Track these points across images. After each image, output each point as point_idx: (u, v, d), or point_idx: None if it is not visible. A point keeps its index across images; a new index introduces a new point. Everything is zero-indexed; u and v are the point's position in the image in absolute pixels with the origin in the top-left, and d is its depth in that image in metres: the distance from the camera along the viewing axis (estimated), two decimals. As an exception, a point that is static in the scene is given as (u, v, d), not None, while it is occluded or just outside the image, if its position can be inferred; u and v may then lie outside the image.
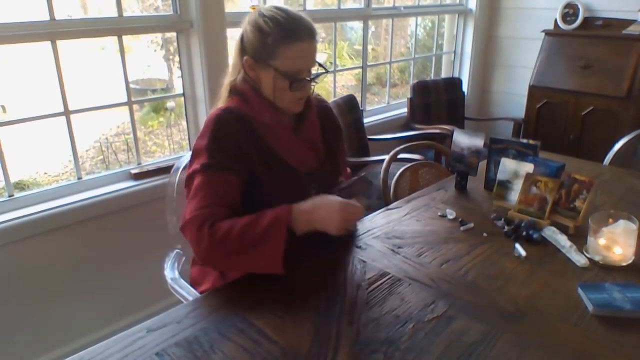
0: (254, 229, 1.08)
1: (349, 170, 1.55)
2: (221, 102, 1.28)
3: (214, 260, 1.13)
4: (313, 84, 1.26)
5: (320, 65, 1.26)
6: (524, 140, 1.61)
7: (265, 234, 1.08)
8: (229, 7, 2.29)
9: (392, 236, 1.36)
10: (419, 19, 4.35)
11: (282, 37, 1.16)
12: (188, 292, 1.37)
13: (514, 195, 1.50)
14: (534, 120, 3.48)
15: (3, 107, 4.71)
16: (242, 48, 1.23)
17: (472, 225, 1.42)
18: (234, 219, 1.11)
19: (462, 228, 1.40)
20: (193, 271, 1.40)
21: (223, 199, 1.15)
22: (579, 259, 1.22)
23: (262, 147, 1.23)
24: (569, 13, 3.44)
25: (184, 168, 1.61)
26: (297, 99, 1.25)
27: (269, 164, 1.23)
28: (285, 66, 1.18)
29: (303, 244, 1.15)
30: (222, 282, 1.25)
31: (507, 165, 1.56)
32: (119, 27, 2.05)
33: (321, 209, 1.12)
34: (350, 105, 2.92)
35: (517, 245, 1.29)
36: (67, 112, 1.97)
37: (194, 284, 1.38)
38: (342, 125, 2.77)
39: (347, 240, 1.33)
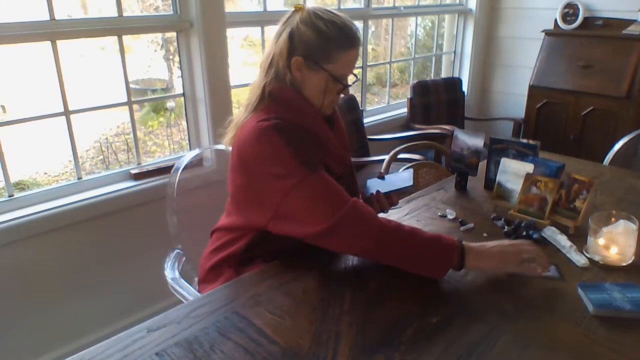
0: (423, 233, 1.12)
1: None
2: (252, 104, 1.22)
3: (385, 244, 1.11)
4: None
5: (355, 75, 1.31)
6: (524, 140, 1.61)
7: (435, 238, 1.11)
8: (229, 7, 2.29)
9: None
10: (419, 19, 4.35)
11: (345, 43, 1.18)
12: (188, 292, 1.37)
13: (514, 195, 1.50)
14: (534, 120, 3.48)
15: (3, 107, 4.71)
16: (292, 47, 1.18)
17: (472, 225, 1.42)
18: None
19: (462, 228, 1.40)
20: (208, 274, 1.37)
21: (345, 192, 1.15)
22: (579, 259, 1.22)
23: (319, 152, 1.22)
24: (569, 13, 3.44)
25: (185, 168, 1.62)
26: (335, 102, 1.28)
27: (325, 164, 1.23)
28: (340, 71, 1.20)
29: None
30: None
31: (507, 165, 1.56)
32: (119, 27, 2.05)
33: (504, 251, 1.14)
34: (350, 105, 2.92)
35: (517, 245, 1.29)
36: (67, 112, 1.97)
37: (202, 282, 1.36)
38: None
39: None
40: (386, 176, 1.43)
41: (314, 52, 1.18)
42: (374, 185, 1.40)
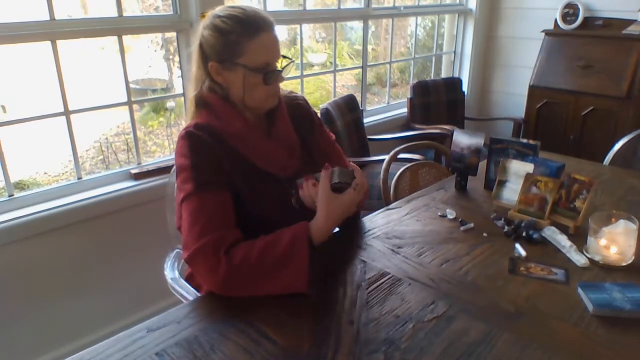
0: (273, 250, 1.06)
1: (350, 162, 1.47)
2: (189, 117, 1.24)
3: (233, 287, 1.06)
4: (283, 75, 1.22)
5: (284, 57, 1.22)
6: (524, 140, 1.61)
7: (286, 254, 1.05)
8: (229, 7, 2.29)
9: (392, 236, 1.36)
10: (419, 19, 4.35)
11: (245, 32, 1.14)
12: (188, 292, 1.37)
13: (514, 195, 1.50)
14: (534, 120, 3.48)
15: (3, 107, 4.71)
16: (204, 56, 1.19)
17: (472, 225, 1.42)
18: (248, 242, 1.08)
19: (462, 228, 1.40)
20: (191, 279, 1.38)
21: (225, 220, 1.11)
22: (579, 259, 1.22)
23: (239, 160, 1.19)
24: (569, 13, 3.44)
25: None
26: (270, 94, 1.21)
27: (247, 177, 1.19)
28: (255, 60, 1.15)
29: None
30: None
31: (507, 165, 1.56)
32: (119, 27, 2.05)
33: (334, 210, 1.12)
34: (350, 105, 2.92)
35: (517, 245, 1.29)
36: (67, 112, 1.97)
37: (196, 287, 1.38)
38: (341, 125, 2.78)
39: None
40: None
41: (222, 51, 1.16)
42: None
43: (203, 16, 1.21)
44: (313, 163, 1.34)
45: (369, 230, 1.39)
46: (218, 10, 1.19)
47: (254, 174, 1.21)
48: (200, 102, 1.23)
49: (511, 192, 1.54)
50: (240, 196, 1.17)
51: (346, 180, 1.14)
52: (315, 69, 6.23)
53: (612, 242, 1.23)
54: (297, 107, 1.37)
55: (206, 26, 1.18)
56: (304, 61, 4.57)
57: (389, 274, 1.18)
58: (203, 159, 1.14)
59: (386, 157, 2.17)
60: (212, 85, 1.22)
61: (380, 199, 2.06)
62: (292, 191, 1.22)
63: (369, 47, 3.51)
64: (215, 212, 1.11)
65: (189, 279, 1.39)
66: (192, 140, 1.15)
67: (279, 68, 1.20)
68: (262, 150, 1.23)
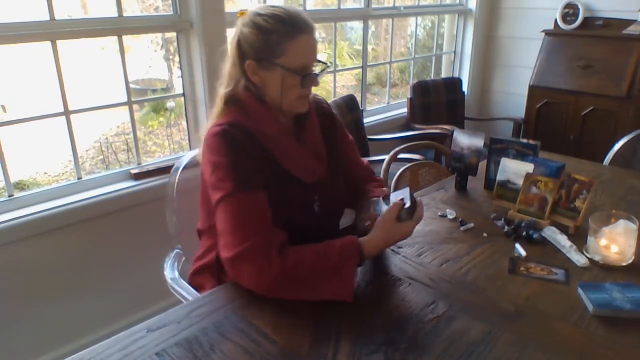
0: (326, 258, 1.07)
1: (366, 161, 1.50)
2: (217, 114, 1.21)
3: (281, 288, 1.05)
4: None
5: (320, 61, 1.22)
6: (524, 140, 1.61)
7: (338, 263, 1.06)
8: (229, 7, 2.29)
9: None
10: (419, 19, 4.35)
11: (287, 32, 1.13)
12: (188, 292, 1.37)
13: (514, 195, 1.50)
14: (534, 120, 3.48)
15: (3, 107, 4.71)
16: (241, 53, 1.17)
17: (472, 225, 1.42)
18: (300, 246, 1.09)
19: (462, 228, 1.40)
20: (195, 277, 1.38)
21: (269, 220, 1.10)
22: (579, 259, 1.22)
23: (269, 162, 1.17)
24: (569, 13, 3.44)
25: (184, 168, 1.61)
26: (304, 97, 1.21)
27: (277, 179, 1.18)
28: (294, 62, 1.14)
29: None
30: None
31: (507, 165, 1.56)
32: (119, 27, 2.05)
33: (389, 235, 1.14)
34: (350, 105, 2.92)
35: (517, 245, 1.29)
36: (67, 112, 1.97)
37: (198, 287, 1.37)
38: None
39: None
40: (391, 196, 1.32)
41: (261, 50, 1.14)
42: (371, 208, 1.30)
43: (242, 13, 1.19)
44: (336, 167, 1.35)
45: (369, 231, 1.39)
46: (259, 8, 1.17)
47: (283, 177, 1.20)
48: (232, 100, 1.20)
49: (511, 192, 1.54)
50: (270, 196, 1.15)
51: (410, 216, 1.16)
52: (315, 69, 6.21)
53: (612, 242, 1.23)
54: (322, 110, 1.37)
55: (246, 23, 1.16)
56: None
57: (389, 274, 1.18)
58: (241, 158, 1.12)
59: (386, 157, 2.17)
60: (248, 84, 1.20)
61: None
62: (315, 196, 1.25)
63: (369, 47, 3.51)
64: (260, 212, 1.10)
65: (192, 278, 1.38)
66: (228, 139, 1.12)
67: (316, 71, 1.20)
68: (293, 155, 1.23)
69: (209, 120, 1.24)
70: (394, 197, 1.20)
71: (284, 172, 1.20)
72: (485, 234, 1.37)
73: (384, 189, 1.39)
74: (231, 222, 1.08)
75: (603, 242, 1.24)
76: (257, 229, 1.07)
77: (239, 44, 1.17)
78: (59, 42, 1.91)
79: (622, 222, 1.24)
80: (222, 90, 1.23)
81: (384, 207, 1.20)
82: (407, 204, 1.14)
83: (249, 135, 1.15)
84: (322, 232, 1.17)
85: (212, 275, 1.28)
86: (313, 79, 1.19)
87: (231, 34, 2.22)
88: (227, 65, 1.22)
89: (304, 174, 1.23)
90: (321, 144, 1.31)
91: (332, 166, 1.34)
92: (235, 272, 1.08)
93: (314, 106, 1.33)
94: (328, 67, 1.25)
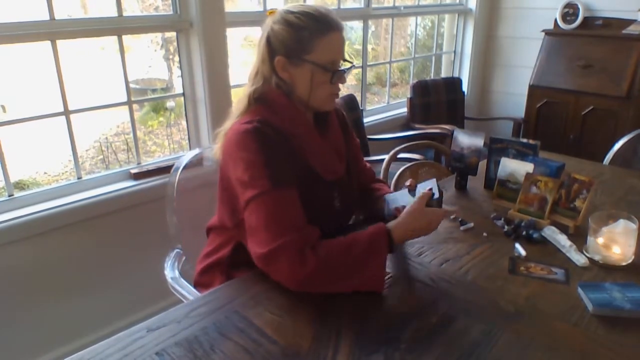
0: (356, 247, 1.07)
1: (368, 165, 1.53)
2: (241, 112, 1.21)
3: (317, 282, 1.06)
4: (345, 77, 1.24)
5: (347, 60, 1.24)
6: (524, 140, 1.61)
7: (367, 252, 1.07)
8: (229, 7, 2.29)
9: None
10: (419, 18, 4.35)
11: (319, 29, 1.15)
12: (188, 292, 1.37)
13: (514, 195, 1.50)
14: (534, 120, 3.48)
15: (3, 107, 4.70)
16: (271, 50, 1.18)
17: (472, 225, 1.42)
18: (329, 240, 1.09)
19: (462, 228, 1.40)
20: (201, 277, 1.38)
21: (303, 217, 1.11)
22: (579, 259, 1.22)
23: (297, 160, 1.19)
24: (569, 13, 3.44)
25: (184, 168, 1.62)
26: (333, 94, 1.23)
27: (303, 177, 1.19)
28: (324, 58, 1.16)
29: None
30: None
31: (507, 165, 1.56)
32: (119, 27, 2.05)
33: (419, 222, 1.14)
34: (350, 105, 2.92)
35: (517, 245, 1.29)
36: (67, 112, 1.97)
37: (196, 285, 1.37)
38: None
39: None
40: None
41: (292, 46, 1.16)
42: (397, 199, 1.30)
43: (271, 12, 1.21)
44: (353, 166, 1.39)
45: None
46: (289, 6, 1.19)
47: (308, 174, 1.21)
48: (259, 98, 1.21)
49: (511, 192, 1.54)
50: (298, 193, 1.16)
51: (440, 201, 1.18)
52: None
53: (612, 242, 1.23)
54: (336, 112, 1.39)
55: (277, 21, 1.18)
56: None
57: (389, 274, 1.18)
58: (274, 156, 1.13)
59: (386, 157, 2.17)
60: (278, 82, 1.21)
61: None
62: (335, 194, 1.27)
63: (369, 47, 3.51)
64: (294, 209, 1.11)
65: (200, 277, 1.37)
66: (261, 136, 1.12)
67: (344, 67, 1.22)
68: (318, 152, 1.24)
69: (230, 117, 1.24)
70: (421, 188, 1.22)
71: (309, 169, 1.22)
72: (485, 234, 1.37)
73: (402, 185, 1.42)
74: (266, 220, 1.08)
75: (603, 242, 1.24)
76: (292, 225, 1.08)
77: (269, 41, 1.19)
78: (59, 42, 1.91)
79: (622, 222, 1.24)
80: (248, 88, 1.23)
81: (410, 199, 1.22)
82: (436, 195, 1.16)
83: (279, 132, 1.16)
84: (341, 229, 1.18)
85: (222, 272, 1.28)
86: (341, 76, 1.21)
87: (231, 33, 2.23)
88: (255, 63, 1.23)
89: (327, 172, 1.25)
90: (342, 142, 1.35)
91: (350, 165, 1.37)
92: (270, 268, 1.09)
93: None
94: (354, 65, 1.27)
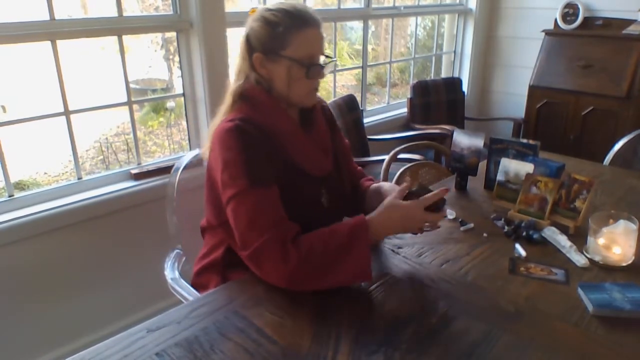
0: (335, 237, 1.07)
1: (359, 168, 1.52)
2: (225, 110, 1.23)
3: (302, 277, 1.06)
4: (324, 72, 1.24)
5: (327, 56, 1.24)
6: (524, 140, 1.61)
7: (348, 241, 1.06)
8: (229, 7, 2.29)
9: (392, 236, 1.35)
10: (419, 18, 4.35)
11: (293, 24, 1.16)
12: (188, 292, 1.37)
13: (514, 195, 1.50)
14: (534, 120, 3.48)
15: (3, 107, 4.71)
16: (250, 47, 1.21)
17: (472, 225, 1.42)
18: (310, 233, 1.09)
19: (462, 228, 1.40)
20: (198, 278, 1.38)
21: (282, 214, 1.11)
22: (579, 259, 1.22)
23: (280, 156, 1.19)
24: (569, 13, 3.44)
25: (185, 168, 1.62)
26: (312, 89, 1.23)
27: (288, 173, 1.19)
28: (300, 53, 1.17)
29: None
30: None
31: (507, 165, 1.56)
32: (119, 27, 2.05)
33: (397, 217, 1.12)
34: (350, 105, 2.92)
35: (517, 246, 1.29)
36: (67, 112, 1.97)
37: (199, 288, 1.37)
38: (341, 125, 2.79)
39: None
40: None
41: (268, 42, 1.18)
42: None
43: (253, 11, 1.23)
44: (339, 165, 1.37)
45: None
46: (269, 5, 1.21)
47: (293, 171, 1.21)
48: (242, 95, 1.22)
49: (511, 192, 1.54)
50: (281, 189, 1.16)
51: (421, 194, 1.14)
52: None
53: (612, 242, 1.23)
54: (323, 109, 1.39)
55: (255, 19, 1.20)
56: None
57: (389, 274, 1.18)
58: (254, 154, 1.13)
59: (386, 157, 2.17)
60: (258, 78, 1.22)
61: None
62: (323, 190, 1.25)
63: (369, 47, 3.51)
64: (273, 207, 1.11)
65: (196, 277, 1.37)
66: (241, 135, 1.13)
67: (322, 62, 1.22)
68: (302, 148, 1.24)
69: (216, 116, 1.25)
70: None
71: (294, 165, 1.22)
72: (485, 234, 1.37)
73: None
74: (245, 219, 1.10)
75: (603, 242, 1.24)
76: (271, 223, 1.08)
77: (248, 39, 1.21)
78: (59, 42, 1.91)
79: (622, 222, 1.24)
80: (232, 85, 1.25)
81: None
82: (414, 188, 1.14)
83: (260, 130, 1.17)
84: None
85: (217, 273, 1.28)
86: (318, 71, 1.21)
87: (231, 33, 2.23)
88: (238, 61, 1.25)
89: (313, 168, 1.25)
90: (328, 138, 1.34)
91: (337, 161, 1.36)
92: (257, 270, 1.10)
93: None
94: (334, 60, 1.27)
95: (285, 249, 1.05)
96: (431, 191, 1.15)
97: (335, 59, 1.28)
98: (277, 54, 1.17)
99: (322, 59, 1.23)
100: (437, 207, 1.14)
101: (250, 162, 1.12)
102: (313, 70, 1.19)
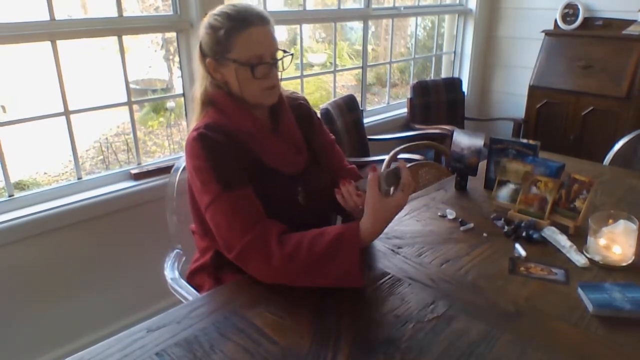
0: (322, 239, 1.06)
1: (350, 164, 1.49)
2: (196, 118, 1.24)
3: (289, 274, 1.06)
4: (277, 68, 1.22)
5: (284, 51, 1.23)
6: (524, 140, 1.61)
7: (335, 244, 1.05)
8: (229, 7, 2.29)
9: (392, 236, 1.36)
10: (419, 19, 4.35)
11: (233, 27, 1.16)
12: (188, 292, 1.37)
13: (514, 195, 1.50)
14: (534, 120, 3.48)
15: (3, 107, 4.71)
16: (202, 53, 1.22)
17: (472, 225, 1.42)
18: (298, 232, 1.09)
19: (462, 228, 1.40)
20: (192, 279, 1.39)
21: (261, 212, 1.12)
22: (579, 259, 1.22)
23: (248, 157, 1.19)
24: (569, 13, 3.44)
25: (184, 169, 1.62)
26: (265, 88, 1.21)
27: (257, 174, 1.19)
28: (243, 54, 1.16)
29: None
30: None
31: (507, 165, 1.56)
32: (119, 27, 2.05)
33: (387, 218, 1.09)
34: (350, 105, 2.92)
35: (517, 245, 1.29)
36: (67, 112, 1.97)
37: (196, 286, 1.38)
38: (341, 125, 2.78)
39: None
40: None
41: (214, 48, 1.19)
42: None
43: (205, 16, 1.23)
44: (317, 162, 1.36)
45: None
46: (215, 9, 1.21)
47: (263, 171, 1.21)
48: (207, 101, 1.24)
49: (511, 193, 1.54)
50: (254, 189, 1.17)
51: (393, 182, 1.11)
52: (315, 69, 6.22)
53: (612, 242, 1.23)
54: (299, 107, 1.38)
55: (203, 25, 1.21)
56: (304, 61, 4.57)
57: (389, 274, 1.18)
58: (220, 158, 1.14)
59: (386, 157, 2.17)
60: (214, 82, 1.23)
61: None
62: (299, 188, 1.24)
63: (369, 47, 3.51)
64: (250, 206, 1.12)
65: (190, 278, 1.39)
66: (204, 141, 1.15)
67: (273, 61, 1.21)
68: (270, 148, 1.24)
69: (190, 124, 1.27)
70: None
71: (263, 165, 1.22)
72: (485, 234, 1.37)
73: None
74: (224, 224, 1.11)
75: (603, 242, 1.24)
76: (251, 224, 1.09)
77: (200, 45, 1.22)
78: (59, 42, 1.91)
79: (622, 222, 1.24)
80: (197, 92, 1.26)
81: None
82: (383, 176, 1.09)
83: (226, 134, 1.17)
84: (311, 226, 1.16)
85: (209, 275, 1.29)
86: (266, 70, 1.19)
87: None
88: (197, 67, 1.26)
89: (284, 166, 1.25)
90: (299, 136, 1.32)
91: (314, 158, 1.35)
92: (245, 268, 1.11)
93: (289, 102, 1.35)
94: (288, 54, 1.24)
95: (267, 249, 1.06)
96: (398, 172, 1.11)
97: (291, 53, 1.25)
98: (224, 57, 1.18)
99: (278, 55, 1.21)
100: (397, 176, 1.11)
101: (219, 167, 1.13)
102: (258, 69, 1.18)
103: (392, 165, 1.17)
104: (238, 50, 1.17)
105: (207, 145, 1.14)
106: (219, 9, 1.20)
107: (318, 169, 1.35)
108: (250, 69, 1.17)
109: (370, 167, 1.12)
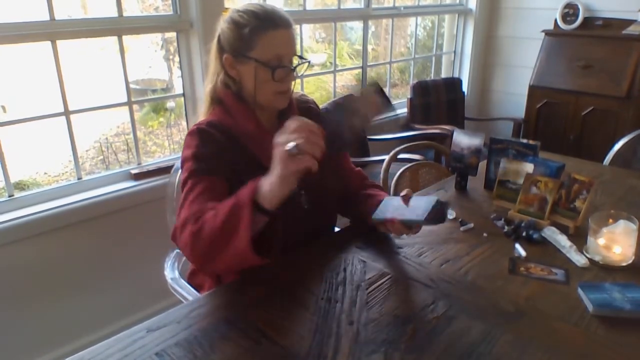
0: (221, 212, 1.00)
1: (359, 170, 1.48)
2: (204, 112, 1.25)
3: (200, 257, 1.03)
4: (295, 74, 1.23)
5: (300, 57, 1.24)
6: (524, 140, 1.61)
7: (228, 219, 0.98)
8: (229, 7, 2.30)
9: (392, 236, 1.36)
10: (419, 19, 4.35)
11: (259, 26, 1.16)
12: (188, 292, 1.37)
13: (514, 195, 1.50)
14: (534, 120, 3.48)
15: (3, 107, 4.70)
16: (220, 48, 1.22)
17: (472, 225, 1.42)
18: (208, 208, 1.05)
19: (462, 228, 1.40)
20: (192, 279, 1.39)
21: (209, 199, 1.09)
22: (579, 259, 1.22)
23: (248, 159, 1.19)
24: (569, 13, 3.44)
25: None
26: (280, 92, 1.21)
27: (256, 175, 1.14)
28: (266, 54, 1.16)
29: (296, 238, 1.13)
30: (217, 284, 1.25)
31: (507, 165, 1.56)
32: (119, 27, 2.05)
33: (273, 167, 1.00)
34: (350, 105, 2.92)
35: (517, 246, 1.29)
36: (67, 112, 1.97)
37: (197, 286, 1.38)
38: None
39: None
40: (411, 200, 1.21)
41: (236, 44, 1.18)
42: (388, 207, 1.23)
43: (226, 11, 1.23)
44: (322, 165, 1.33)
45: (370, 232, 1.39)
46: (240, 5, 1.21)
47: (262, 173, 1.19)
48: (215, 98, 1.24)
49: (511, 192, 1.54)
50: None
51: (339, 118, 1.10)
52: (315, 69, 6.22)
53: (612, 242, 1.23)
54: (308, 110, 1.37)
55: (225, 20, 1.21)
56: (304, 61, 4.55)
57: (389, 274, 1.18)
58: (206, 150, 1.15)
59: (386, 157, 2.16)
60: (226, 80, 1.23)
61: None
62: (301, 192, 1.24)
63: (369, 47, 3.51)
64: (202, 192, 1.10)
65: (190, 278, 1.39)
66: (200, 135, 1.17)
67: (292, 66, 1.21)
68: (271, 150, 1.22)
69: (196, 119, 1.27)
70: (417, 200, 1.19)
71: (262, 167, 1.18)
72: (485, 234, 1.37)
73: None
74: (182, 201, 1.11)
75: (603, 242, 1.24)
76: (195, 205, 1.07)
77: (219, 40, 1.22)
78: (59, 42, 1.91)
79: (622, 222, 1.24)
80: (207, 87, 1.27)
81: (403, 210, 1.18)
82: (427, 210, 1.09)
83: (225, 133, 1.18)
84: (316, 229, 1.16)
85: (209, 275, 1.29)
86: (286, 72, 1.20)
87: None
88: (210, 62, 1.27)
89: None
90: None
91: (323, 164, 1.32)
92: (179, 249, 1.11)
93: (298, 104, 1.35)
94: (307, 61, 1.26)
95: (187, 231, 1.02)
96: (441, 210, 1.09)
97: (308, 61, 1.26)
98: (244, 55, 1.18)
99: (296, 60, 1.22)
100: (442, 215, 1.12)
101: (198, 157, 1.15)
102: (279, 72, 1.18)
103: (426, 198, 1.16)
104: (260, 49, 1.16)
105: (202, 138, 1.16)
106: (243, 6, 1.20)
107: (323, 172, 1.34)
108: (271, 71, 1.17)
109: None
